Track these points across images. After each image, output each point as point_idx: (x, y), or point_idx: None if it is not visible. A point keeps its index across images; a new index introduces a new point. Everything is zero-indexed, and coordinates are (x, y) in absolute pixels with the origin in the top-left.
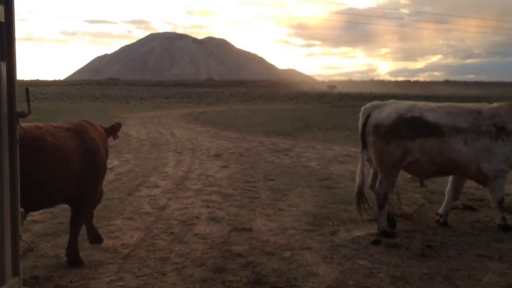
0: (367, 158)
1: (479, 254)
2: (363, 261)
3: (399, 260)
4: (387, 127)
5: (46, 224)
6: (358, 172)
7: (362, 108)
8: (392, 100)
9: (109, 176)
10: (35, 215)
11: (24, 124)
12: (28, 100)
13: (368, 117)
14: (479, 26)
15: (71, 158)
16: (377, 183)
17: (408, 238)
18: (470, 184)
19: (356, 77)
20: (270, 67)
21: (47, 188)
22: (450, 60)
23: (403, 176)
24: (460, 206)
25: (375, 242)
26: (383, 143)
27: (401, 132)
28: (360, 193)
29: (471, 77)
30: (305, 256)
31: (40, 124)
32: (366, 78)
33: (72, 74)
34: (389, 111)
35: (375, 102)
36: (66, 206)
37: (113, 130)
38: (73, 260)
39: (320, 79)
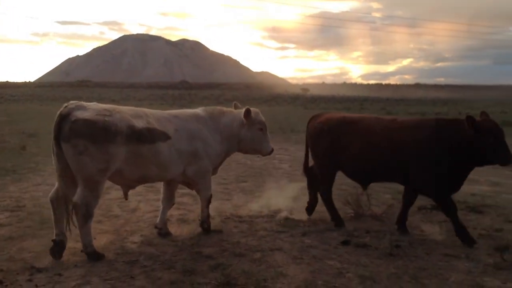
0: None
1: (446, 254)
2: (332, 261)
3: (367, 260)
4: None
5: (12, 228)
6: None
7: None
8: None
9: None
10: (1, 218)
11: None
12: None
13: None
14: (450, 30)
15: None
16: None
17: (377, 238)
18: None
19: (329, 80)
20: (245, 69)
21: None
22: (421, 64)
23: None
24: (428, 206)
25: (345, 243)
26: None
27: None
28: None
29: (441, 80)
30: (275, 257)
31: None
32: (338, 81)
33: (42, 76)
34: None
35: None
36: (33, 209)
37: None
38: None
39: (293, 81)
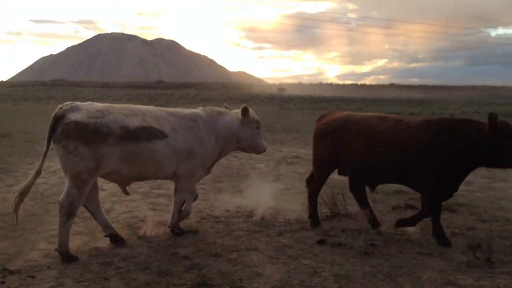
0: None
1: (420, 252)
2: (308, 261)
3: (343, 259)
4: None
5: None
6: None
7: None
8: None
9: (52, 179)
10: None
11: None
12: None
13: None
14: (424, 31)
15: None
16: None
17: (352, 237)
18: None
19: (306, 80)
20: (221, 69)
21: None
22: (395, 64)
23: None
24: (402, 205)
25: (320, 242)
26: None
27: None
28: None
29: (415, 81)
30: (251, 257)
31: None
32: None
33: (16, 75)
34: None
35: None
36: (5, 211)
37: None
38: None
39: (270, 81)
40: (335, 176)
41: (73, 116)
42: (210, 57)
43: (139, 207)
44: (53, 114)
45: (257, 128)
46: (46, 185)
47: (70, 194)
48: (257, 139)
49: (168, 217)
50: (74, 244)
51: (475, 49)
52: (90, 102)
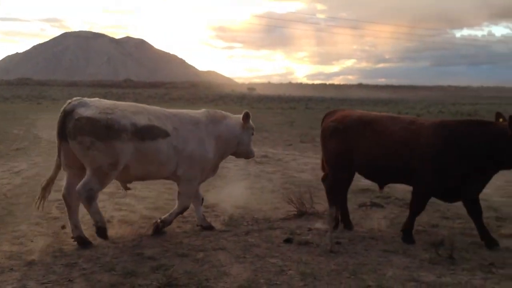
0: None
1: (384, 249)
2: (275, 260)
3: (309, 257)
4: None
5: None
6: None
7: None
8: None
9: (16, 180)
10: None
11: None
12: None
13: None
14: (392, 32)
15: None
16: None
17: (319, 236)
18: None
19: (275, 80)
20: (191, 68)
21: None
22: (363, 65)
23: (316, 176)
24: (368, 203)
25: (287, 241)
26: None
27: None
28: None
29: (382, 81)
30: (218, 257)
31: None
32: (284, 81)
33: None
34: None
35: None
36: None
37: None
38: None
39: (240, 81)
40: (302, 175)
41: (84, 112)
42: (179, 56)
43: (105, 207)
44: (62, 109)
45: (252, 134)
46: (9, 186)
47: (89, 182)
48: (251, 145)
49: (134, 217)
50: (37, 245)
51: (441, 50)
52: (97, 99)
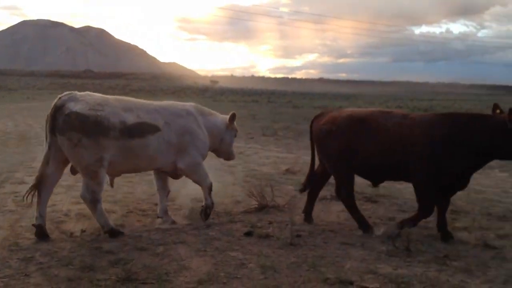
0: None
1: (343, 242)
2: (235, 253)
3: (269, 250)
4: None
5: None
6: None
7: None
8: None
9: None
10: None
11: None
12: None
13: None
14: (353, 27)
15: None
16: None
17: (279, 229)
18: None
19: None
20: (152, 59)
21: None
22: (325, 59)
23: (277, 169)
24: (328, 197)
25: (248, 234)
26: None
27: None
28: None
29: (343, 76)
30: (178, 251)
31: None
32: (247, 74)
33: None
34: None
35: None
36: None
37: None
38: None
39: (203, 73)
40: (263, 169)
41: (73, 107)
42: (141, 47)
43: (62, 200)
44: (53, 104)
45: (235, 136)
46: None
47: (88, 186)
48: (232, 147)
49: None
50: None
51: (400, 46)
52: (87, 93)
